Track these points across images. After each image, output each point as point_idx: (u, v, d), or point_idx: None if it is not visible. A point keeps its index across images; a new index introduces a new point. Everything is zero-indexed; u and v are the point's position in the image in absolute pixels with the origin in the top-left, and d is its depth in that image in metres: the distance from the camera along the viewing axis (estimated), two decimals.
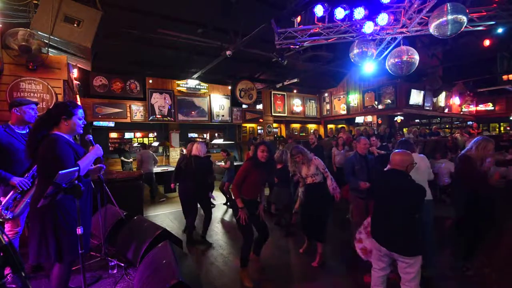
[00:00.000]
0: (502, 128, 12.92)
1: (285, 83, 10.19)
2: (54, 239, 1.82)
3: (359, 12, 4.63)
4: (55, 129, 1.94)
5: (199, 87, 9.46)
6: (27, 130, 2.54)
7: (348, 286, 2.90)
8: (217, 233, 4.43)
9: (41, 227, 1.82)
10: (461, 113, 12.52)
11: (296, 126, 13.08)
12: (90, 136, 2.27)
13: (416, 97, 9.71)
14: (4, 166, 2.31)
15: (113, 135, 10.52)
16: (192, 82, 9.28)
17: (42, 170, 1.94)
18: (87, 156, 2.00)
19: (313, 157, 3.43)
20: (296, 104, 12.12)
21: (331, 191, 3.31)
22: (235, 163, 6.40)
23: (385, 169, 2.52)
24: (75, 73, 5.06)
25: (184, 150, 5.67)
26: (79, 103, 5.58)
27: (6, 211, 2.18)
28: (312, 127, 13.42)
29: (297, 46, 5.38)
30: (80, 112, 2.05)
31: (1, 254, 1.18)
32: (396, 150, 2.33)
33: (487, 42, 7.20)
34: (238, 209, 2.83)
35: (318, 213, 3.30)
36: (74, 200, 1.78)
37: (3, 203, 2.21)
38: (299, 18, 5.31)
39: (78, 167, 1.81)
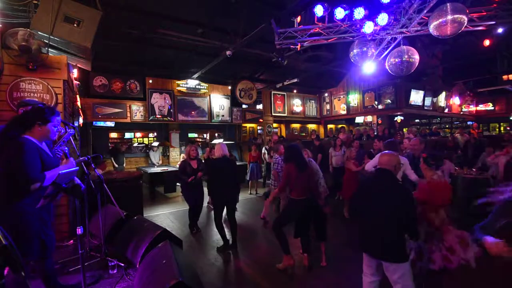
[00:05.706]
0: (502, 128, 12.92)
1: (285, 83, 10.18)
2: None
3: (359, 12, 4.63)
4: (27, 133, 1.94)
5: (199, 87, 9.45)
6: None
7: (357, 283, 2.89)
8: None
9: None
10: (461, 113, 12.50)
11: (296, 126, 13.07)
12: (66, 148, 2.32)
13: (416, 97, 9.69)
14: None
15: (113, 135, 10.54)
16: (192, 82, 9.27)
17: (4, 170, 1.90)
18: (55, 169, 1.97)
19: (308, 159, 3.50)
20: (296, 104, 12.11)
21: None
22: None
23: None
24: (75, 73, 5.05)
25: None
26: (79, 103, 5.60)
27: None
28: (312, 127, 13.42)
29: (297, 46, 5.37)
30: (57, 119, 2.05)
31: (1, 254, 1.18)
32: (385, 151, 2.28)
33: (487, 42, 7.18)
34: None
35: (319, 212, 3.31)
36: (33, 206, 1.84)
37: None
38: (299, 18, 5.30)
39: (77, 168, 1.81)
